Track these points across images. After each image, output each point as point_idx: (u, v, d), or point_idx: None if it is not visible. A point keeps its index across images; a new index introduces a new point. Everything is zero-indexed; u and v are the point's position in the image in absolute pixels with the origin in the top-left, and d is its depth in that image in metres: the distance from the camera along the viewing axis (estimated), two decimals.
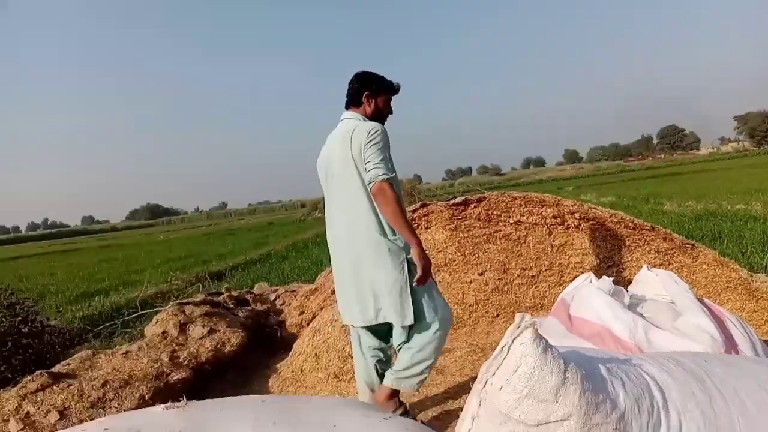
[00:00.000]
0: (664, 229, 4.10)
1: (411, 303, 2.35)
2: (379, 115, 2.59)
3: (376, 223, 2.39)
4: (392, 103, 2.66)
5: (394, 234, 2.39)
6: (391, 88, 2.62)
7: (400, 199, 2.33)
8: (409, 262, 2.37)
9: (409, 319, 2.36)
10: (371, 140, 2.35)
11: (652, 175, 35.01)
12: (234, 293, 4.95)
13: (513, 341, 1.05)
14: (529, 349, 1.03)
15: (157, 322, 4.07)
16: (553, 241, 4.22)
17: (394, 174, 2.34)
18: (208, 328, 3.95)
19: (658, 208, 11.48)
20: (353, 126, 2.45)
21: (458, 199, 4.41)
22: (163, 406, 1.60)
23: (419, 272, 2.29)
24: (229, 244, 17.11)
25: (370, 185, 2.33)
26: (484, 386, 1.07)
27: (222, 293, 4.96)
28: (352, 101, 2.58)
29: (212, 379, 3.73)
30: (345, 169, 2.43)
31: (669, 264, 3.99)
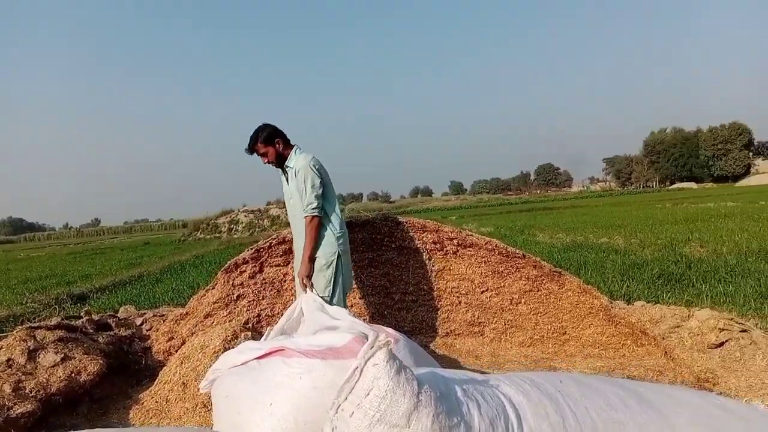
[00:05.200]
0: (534, 258, 4.33)
1: None
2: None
3: None
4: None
5: None
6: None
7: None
8: None
9: None
10: None
11: (528, 208, 37.31)
12: (95, 317, 4.52)
13: (366, 362, 1.00)
14: (381, 371, 0.98)
15: (1, 348, 3.62)
16: (433, 266, 4.31)
17: None
18: (62, 355, 3.57)
19: (531, 239, 12.19)
20: None
21: None
22: None
23: None
24: (97, 264, 15.78)
25: None
26: (336, 413, 1.01)
27: (81, 317, 4.52)
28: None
29: (65, 411, 3.37)
30: None
31: (538, 290, 4.21)
